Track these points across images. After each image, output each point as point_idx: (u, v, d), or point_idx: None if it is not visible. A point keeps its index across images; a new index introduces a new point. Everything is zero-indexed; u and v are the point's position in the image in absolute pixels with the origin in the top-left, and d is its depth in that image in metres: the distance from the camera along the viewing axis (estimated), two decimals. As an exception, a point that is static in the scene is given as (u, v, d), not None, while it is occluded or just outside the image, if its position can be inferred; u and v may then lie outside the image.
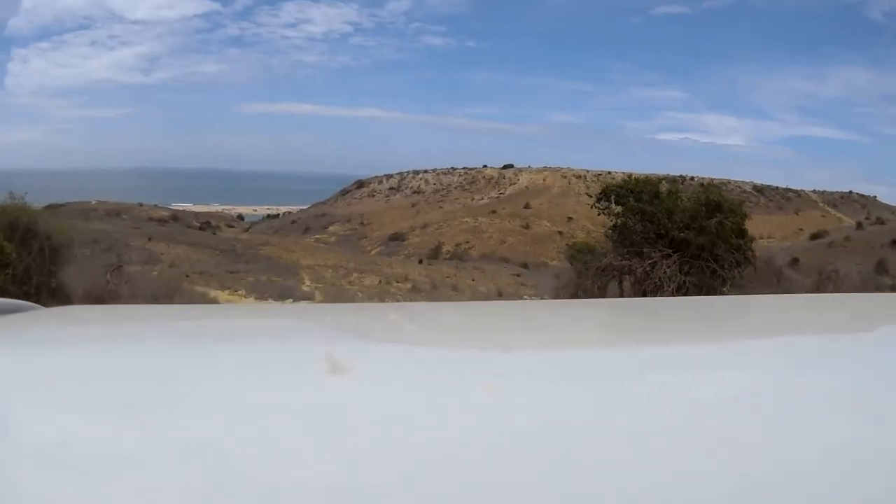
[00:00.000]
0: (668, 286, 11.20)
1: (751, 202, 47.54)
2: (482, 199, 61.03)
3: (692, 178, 63.18)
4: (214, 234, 43.07)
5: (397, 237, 53.58)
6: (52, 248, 10.57)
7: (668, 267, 11.37)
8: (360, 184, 70.06)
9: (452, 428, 0.57)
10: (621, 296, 11.79)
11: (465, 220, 55.14)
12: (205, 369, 0.77)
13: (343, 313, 1.46)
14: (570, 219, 54.80)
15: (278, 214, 68.53)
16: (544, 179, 62.54)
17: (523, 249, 49.27)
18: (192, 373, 0.75)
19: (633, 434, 0.57)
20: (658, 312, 1.31)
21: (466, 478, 0.49)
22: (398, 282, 24.68)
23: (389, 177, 69.35)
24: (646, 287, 11.40)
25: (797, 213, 57.42)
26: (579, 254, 15.66)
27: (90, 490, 0.47)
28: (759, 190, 59.74)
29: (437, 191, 64.93)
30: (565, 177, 62.41)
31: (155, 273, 22.18)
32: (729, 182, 54.07)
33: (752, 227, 12.93)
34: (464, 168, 66.78)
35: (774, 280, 13.35)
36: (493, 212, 56.01)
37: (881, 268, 31.38)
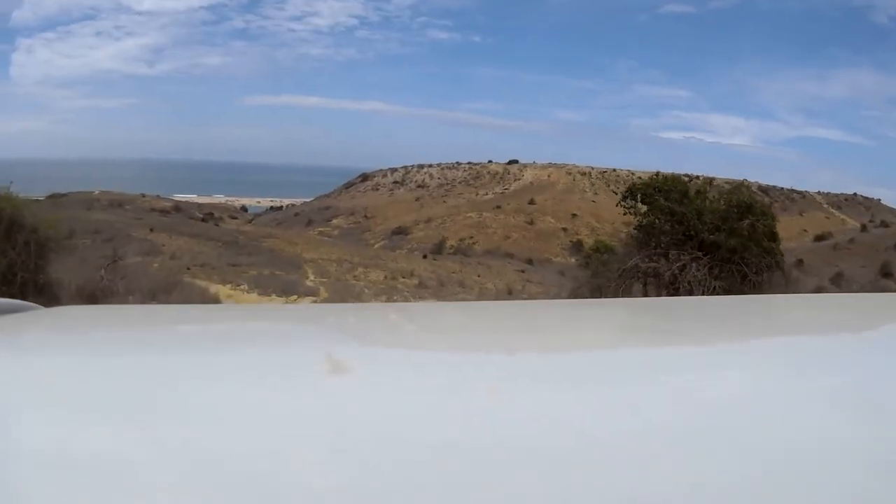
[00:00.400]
0: (697, 291, 10.42)
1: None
2: (486, 194, 60.21)
3: (698, 177, 62.54)
4: (217, 225, 42.42)
5: (401, 231, 52.81)
6: (38, 241, 9.57)
7: (698, 270, 10.58)
8: (365, 177, 69.28)
9: (453, 429, 0.57)
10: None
11: (470, 215, 54.32)
12: (205, 370, 0.76)
13: (344, 314, 1.42)
14: (574, 215, 54.07)
15: (281, 206, 67.83)
16: (549, 176, 61.70)
17: (527, 245, 48.50)
18: (192, 374, 0.74)
19: (636, 436, 0.56)
20: (660, 313, 1.29)
21: (467, 479, 0.49)
22: (404, 277, 23.88)
23: (394, 170, 68.52)
24: (673, 291, 10.61)
25: (801, 215, 56.63)
26: (596, 253, 14.82)
27: (90, 490, 0.47)
28: (764, 190, 58.91)
29: (441, 185, 64.11)
30: (570, 173, 61.59)
31: (156, 265, 21.37)
32: (734, 182, 53.34)
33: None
34: (468, 163, 65.95)
35: (783, 282, 12.55)
36: (498, 207, 55.17)
37: (886, 271, 30.82)
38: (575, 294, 14.22)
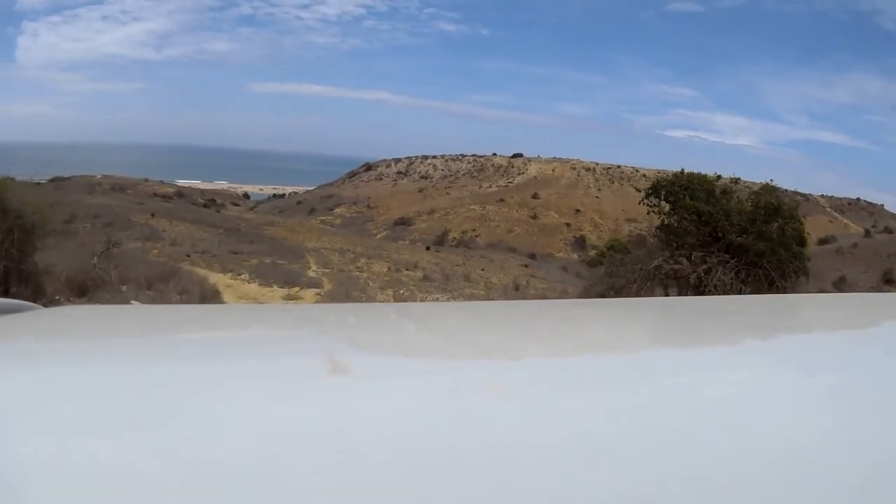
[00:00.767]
0: (723, 295, 9.74)
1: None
2: (490, 187, 59.48)
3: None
4: (218, 212, 41.71)
5: (403, 222, 52.13)
6: (24, 227, 8.72)
7: (725, 274, 9.89)
8: (368, 166, 68.57)
9: (454, 430, 0.57)
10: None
11: (473, 207, 53.61)
12: (205, 371, 0.76)
13: (344, 314, 1.40)
14: (577, 211, 53.37)
15: (284, 194, 67.26)
16: (553, 170, 60.93)
17: (530, 240, 47.85)
18: (192, 374, 0.74)
19: (637, 436, 0.57)
20: (661, 313, 1.30)
21: (468, 479, 0.49)
22: (408, 269, 23.19)
23: (398, 161, 67.80)
24: (697, 295, 9.92)
25: (804, 217, 55.95)
26: (610, 251, 14.12)
27: (89, 493, 0.47)
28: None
29: (445, 177, 63.37)
30: (574, 168, 60.82)
31: (155, 251, 20.68)
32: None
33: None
34: (473, 155, 65.21)
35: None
36: (501, 200, 54.45)
37: (888, 277, 30.41)
38: (587, 294, 13.53)
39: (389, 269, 23.09)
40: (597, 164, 61.35)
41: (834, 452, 0.55)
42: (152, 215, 31.37)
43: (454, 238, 46.51)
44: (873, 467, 0.53)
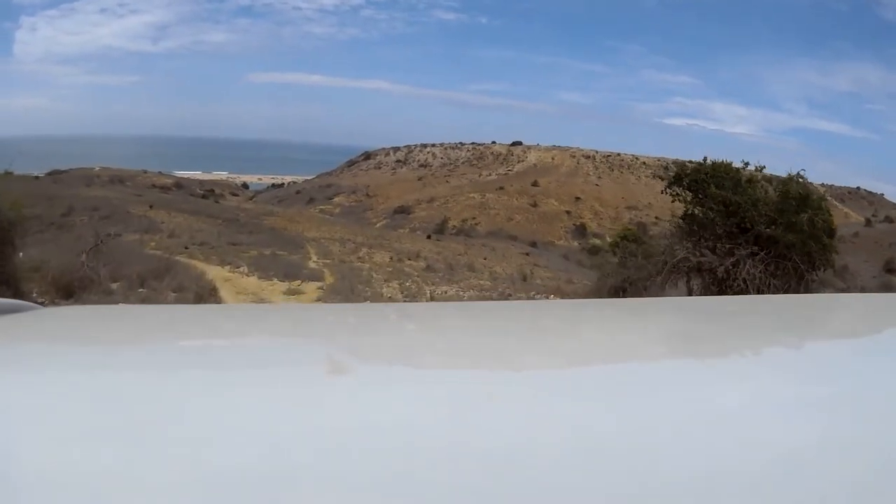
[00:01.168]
0: (751, 289, 9.02)
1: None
2: (490, 175, 58.61)
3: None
4: (217, 202, 40.92)
5: (403, 210, 51.30)
6: (1, 226, 7.93)
7: (754, 267, 9.16)
8: (367, 155, 67.64)
9: (453, 430, 0.57)
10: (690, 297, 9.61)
11: (472, 195, 52.76)
12: (204, 371, 0.76)
13: (343, 314, 1.41)
14: (577, 199, 52.58)
15: (283, 184, 66.44)
16: (553, 158, 60.03)
17: (530, 228, 47.06)
18: (192, 374, 0.74)
19: (637, 437, 0.56)
20: (662, 312, 1.28)
21: (467, 479, 0.49)
22: (410, 259, 22.44)
23: (397, 149, 66.86)
24: (724, 289, 9.20)
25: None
26: (623, 241, 13.37)
27: (89, 491, 0.47)
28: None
29: (444, 165, 62.44)
30: (574, 156, 59.92)
31: (153, 244, 19.91)
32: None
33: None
34: (472, 143, 64.27)
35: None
36: (501, 188, 53.58)
37: (889, 267, 29.95)
38: (600, 286, 12.80)
39: (391, 258, 22.33)
40: (596, 151, 60.47)
41: (835, 455, 0.54)
42: (150, 207, 30.63)
43: (454, 226, 45.72)
44: (873, 466, 0.52)
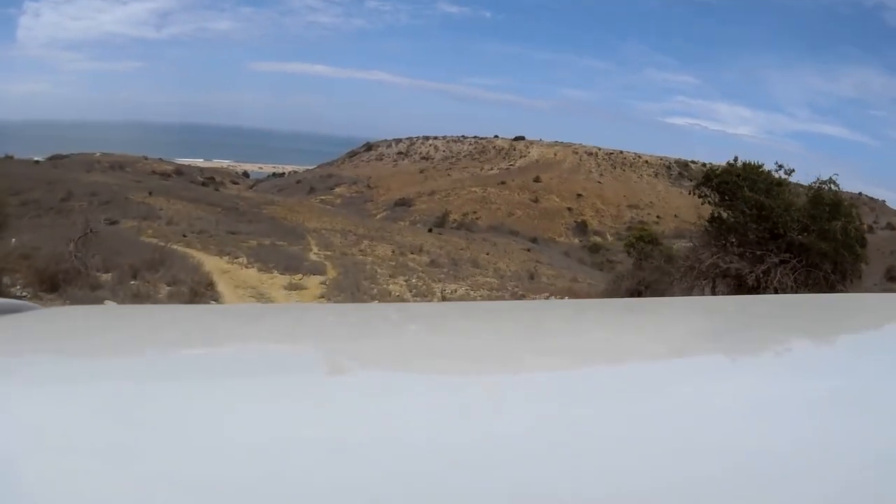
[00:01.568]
0: (782, 299, 8.40)
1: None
2: (492, 169, 57.82)
3: (704, 165, 60.72)
4: (217, 190, 40.17)
5: (403, 203, 50.56)
6: None
7: (785, 275, 8.52)
8: (369, 146, 66.78)
9: (453, 430, 0.57)
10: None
11: (474, 189, 52.00)
12: (204, 371, 0.75)
13: (343, 314, 1.40)
14: (579, 195, 51.87)
15: (284, 173, 65.68)
16: (555, 154, 59.22)
17: (531, 223, 46.37)
18: (192, 374, 0.74)
19: (633, 438, 0.56)
20: (662, 312, 1.27)
21: (466, 479, 0.49)
22: (413, 253, 21.77)
23: (399, 141, 65.98)
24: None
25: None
26: (639, 242, 12.72)
27: (89, 490, 0.47)
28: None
29: (446, 158, 61.60)
30: (576, 153, 59.12)
31: (150, 231, 19.19)
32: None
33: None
34: (474, 137, 63.41)
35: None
36: (502, 183, 52.81)
37: (891, 275, 29.44)
38: (613, 287, 12.16)
39: (394, 252, 21.66)
40: (599, 148, 59.70)
41: (841, 454, 0.54)
42: (150, 193, 29.89)
43: (455, 220, 45.04)
44: (872, 465, 0.52)
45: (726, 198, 9.14)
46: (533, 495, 0.46)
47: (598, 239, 43.71)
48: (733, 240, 9.06)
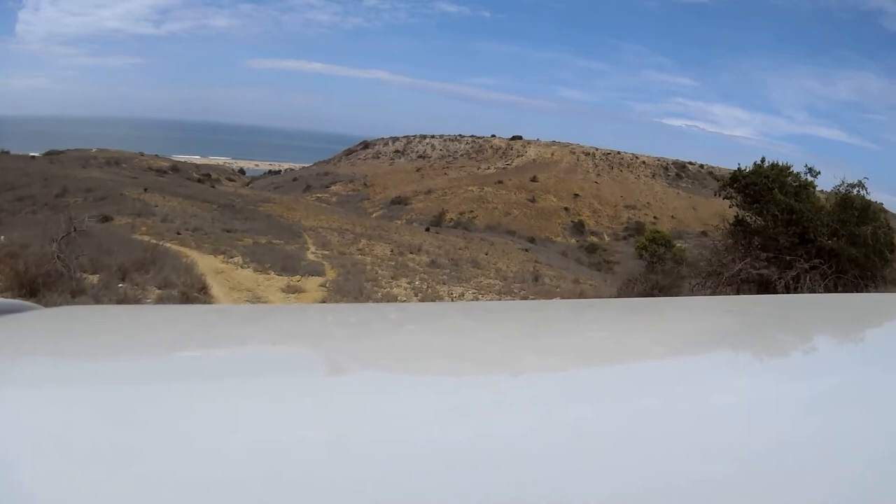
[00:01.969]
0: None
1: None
2: (489, 168, 57.14)
3: (702, 166, 60.33)
4: (213, 187, 39.41)
5: (400, 201, 49.84)
6: None
7: (814, 282, 7.93)
8: (365, 144, 66.02)
9: (453, 430, 0.57)
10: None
11: (471, 188, 51.33)
12: (204, 371, 0.75)
13: (343, 314, 1.39)
14: (576, 195, 51.28)
15: (280, 171, 64.90)
16: (552, 154, 58.61)
17: (528, 223, 45.76)
18: (192, 375, 0.73)
19: (634, 438, 0.56)
20: (663, 312, 1.25)
21: (466, 479, 0.49)
22: (412, 253, 21.12)
23: (395, 139, 65.22)
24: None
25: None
26: (652, 244, 12.11)
27: (88, 489, 0.47)
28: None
29: (443, 157, 60.85)
30: (574, 153, 58.52)
31: (144, 228, 18.51)
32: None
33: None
34: (471, 136, 62.69)
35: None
36: (500, 182, 52.15)
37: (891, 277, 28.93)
38: (626, 291, 11.57)
39: (392, 251, 20.99)
40: (596, 149, 59.15)
41: (834, 451, 0.54)
42: (145, 190, 29.16)
43: (451, 219, 44.36)
44: (872, 465, 0.52)
45: (752, 200, 8.54)
46: (533, 495, 0.46)
47: (594, 239, 43.17)
48: (756, 244, 8.46)
